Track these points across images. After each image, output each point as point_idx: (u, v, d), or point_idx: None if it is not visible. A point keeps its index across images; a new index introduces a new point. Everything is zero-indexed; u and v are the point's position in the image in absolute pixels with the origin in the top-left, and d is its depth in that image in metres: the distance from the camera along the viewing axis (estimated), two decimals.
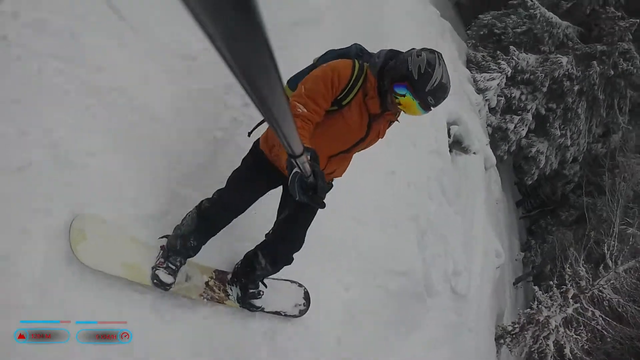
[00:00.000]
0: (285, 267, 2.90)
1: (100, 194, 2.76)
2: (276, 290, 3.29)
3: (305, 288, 3.51)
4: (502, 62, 12.53)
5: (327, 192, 1.62)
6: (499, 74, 12.24)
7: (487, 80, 12.02)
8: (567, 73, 12.92)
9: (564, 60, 12.75)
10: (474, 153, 6.72)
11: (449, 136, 6.48)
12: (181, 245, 2.70)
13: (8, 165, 2.50)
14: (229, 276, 3.16)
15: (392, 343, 4.48)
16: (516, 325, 9.44)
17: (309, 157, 1.58)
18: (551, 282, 10.50)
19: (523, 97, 13.27)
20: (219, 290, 3.06)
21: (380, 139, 2.61)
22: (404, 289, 4.64)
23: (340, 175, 2.70)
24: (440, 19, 10.27)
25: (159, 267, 2.71)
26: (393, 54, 2.30)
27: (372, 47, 2.71)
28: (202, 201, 2.68)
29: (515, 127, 13.17)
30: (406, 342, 4.69)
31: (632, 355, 12.00)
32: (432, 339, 5.15)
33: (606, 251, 10.91)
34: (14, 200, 2.45)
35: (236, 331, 3.12)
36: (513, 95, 13.15)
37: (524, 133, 13.39)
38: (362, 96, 2.27)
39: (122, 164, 2.94)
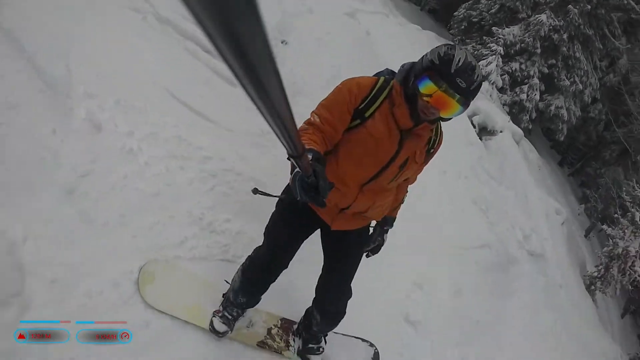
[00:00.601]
0: (343, 318, 2.71)
1: (175, 238, 3.03)
2: (343, 347, 3.17)
3: (376, 348, 3.34)
4: (492, 44, 13.42)
5: (328, 191, 1.55)
6: (493, 55, 13.08)
7: (485, 66, 12.86)
8: (551, 27, 13.76)
9: (543, 17, 13.64)
10: (501, 132, 7.52)
11: (474, 127, 7.30)
12: (234, 298, 2.71)
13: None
14: (295, 326, 3.10)
15: (498, 313, 5.15)
16: (600, 267, 9.90)
17: (310, 157, 1.57)
18: (615, 215, 10.92)
19: (523, 67, 14.18)
20: (281, 340, 3.00)
21: (423, 166, 2.41)
22: (489, 261, 5.38)
23: (379, 218, 2.49)
24: (423, 32, 11.23)
25: (217, 314, 2.76)
26: (415, 62, 2.09)
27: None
28: (250, 255, 2.65)
29: (527, 96, 13.94)
30: (509, 311, 5.31)
31: None
32: (531, 302, 5.76)
33: None
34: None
35: None
36: (513, 69, 14.06)
37: (537, 97, 14.09)
38: (389, 106, 2.07)
39: (225, 219, 3.37)
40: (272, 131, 0.81)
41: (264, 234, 2.54)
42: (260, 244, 2.61)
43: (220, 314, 2.75)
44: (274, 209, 2.53)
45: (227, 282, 2.84)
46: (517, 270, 5.90)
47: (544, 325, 5.75)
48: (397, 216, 2.74)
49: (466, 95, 1.87)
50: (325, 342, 2.99)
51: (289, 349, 2.99)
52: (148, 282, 2.67)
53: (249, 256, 2.63)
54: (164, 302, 2.69)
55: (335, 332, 3.05)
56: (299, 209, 2.35)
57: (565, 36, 13.93)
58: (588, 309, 9.60)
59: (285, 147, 1.01)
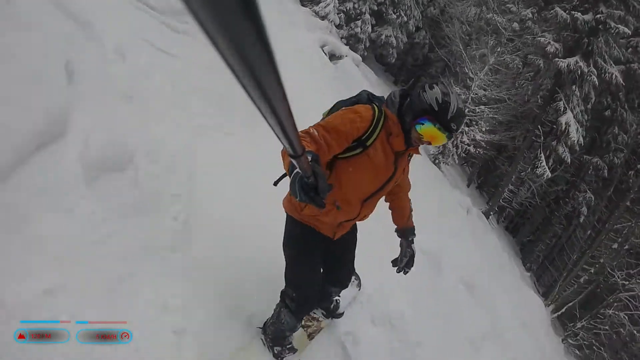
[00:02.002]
0: None
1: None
2: None
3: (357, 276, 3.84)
4: None
5: (328, 192, 1.57)
6: None
7: (324, 7, 15.42)
8: None
9: None
10: (346, 56, 10.10)
11: (325, 54, 9.76)
12: (291, 332, 2.86)
13: None
14: None
15: None
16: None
17: (309, 158, 1.56)
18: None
19: (356, 6, 17.00)
20: (311, 321, 3.34)
21: (405, 175, 2.64)
22: None
23: (367, 216, 2.64)
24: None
25: (283, 354, 2.91)
26: (405, 92, 2.34)
27: None
28: (284, 298, 2.69)
29: (361, 29, 16.89)
30: None
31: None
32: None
33: (467, 71, 15.05)
34: None
35: (340, 335, 3.48)
36: (348, 8, 16.82)
37: (369, 29, 17.14)
38: (386, 135, 2.25)
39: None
40: (273, 132, 0.81)
41: (289, 281, 2.63)
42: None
43: (287, 351, 2.94)
44: (284, 253, 2.62)
45: (259, 327, 2.99)
46: None
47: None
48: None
49: (453, 134, 2.18)
50: (339, 295, 3.34)
51: (320, 321, 3.39)
52: None
53: (287, 296, 2.65)
54: None
55: None
56: (307, 240, 2.52)
57: None
58: (438, 174, 13.11)
59: (285, 147, 1.02)
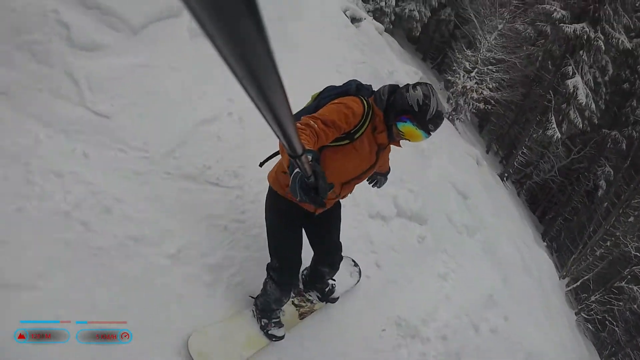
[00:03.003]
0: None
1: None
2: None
3: (349, 257, 3.94)
4: None
5: (328, 192, 1.62)
6: None
7: None
8: None
9: None
10: (365, 19, 11.18)
11: (347, 17, 10.83)
12: (278, 304, 2.90)
13: None
14: (301, 286, 3.46)
15: None
16: (452, 103, 15.13)
17: (309, 157, 1.59)
18: (453, 68, 15.80)
19: None
20: (304, 302, 3.41)
21: (385, 161, 2.88)
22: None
23: (347, 196, 2.78)
24: None
25: (269, 327, 2.97)
26: (393, 89, 2.43)
27: None
28: (269, 270, 2.80)
29: (385, 3, 17.91)
30: None
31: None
32: None
33: (478, 37, 16.10)
34: None
35: (339, 321, 3.58)
36: None
37: (393, 3, 18.15)
38: (372, 130, 2.39)
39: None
40: (273, 131, 0.82)
41: (273, 252, 2.76)
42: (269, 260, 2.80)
43: (272, 324, 2.98)
44: (267, 225, 2.74)
45: (251, 297, 3.09)
46: None
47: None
48: None
49: (431, 134, 2.36)
50: (334, 279, 3.44)
51: (313, 303, 3.45)
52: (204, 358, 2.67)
53: (271, 268, 2.77)
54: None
55: None
56: (290, 215, 2.64)
57: None
58: (450, 128, 14.06)
59: (285, 147, 1.03)
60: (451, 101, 15.78)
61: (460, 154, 11.19)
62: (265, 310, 2.95)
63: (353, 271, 3.85)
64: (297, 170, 1.64)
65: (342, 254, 3.23)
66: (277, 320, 3.01)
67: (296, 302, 3.39)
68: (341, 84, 2.58)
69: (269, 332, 2.96)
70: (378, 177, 3.05)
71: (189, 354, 2.59)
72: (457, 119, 15.55)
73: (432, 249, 5.32)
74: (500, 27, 15.33)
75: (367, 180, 3.02)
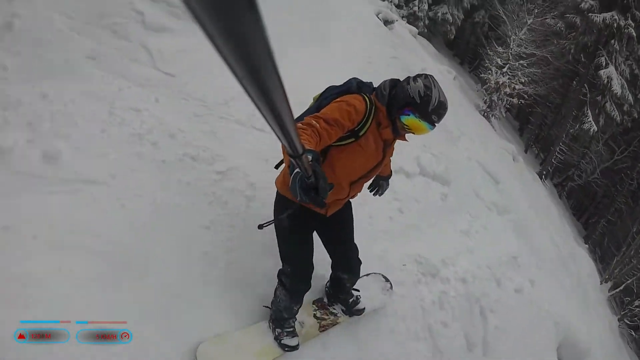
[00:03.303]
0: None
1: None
2: (365, 289, 3.46)
3: (380, 273, 3.79)
4: None
5: (328, 192, 1.61)
6: None
7: None
8: None
9: None
10: (396, 20, 11.60)
11: (380, 20, 11.28)
12: (289, 313, 2.84)
13: None
14: (325, 299, 3.39)
15: None
16: (486, 99, 15.32)
17: (310, 157, 1.58)
18: (485, 65, 16.06)
19: None
20: (327, 315, 3.29)
21: (388, 160, 2.84)
22: None
23: (356, 195, 2.76)
24: None
25: (282, 336, 2.87)
26: (394, 83, 2.43)
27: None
28: (280, 276, 2.78)
29: (419, 8, 18.42)
30: None
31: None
32: None
33: (509, 33, 16.31)
34: None
35: (364, 335, 3.45)
36: None
37: (426, 7, 18.65)
38: (376, 125, 2.39)
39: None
40: (273, 132, 0.83)
41: (284, 257, 2.72)
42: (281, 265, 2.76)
43: (285, 334, 2.88)
44: (276, 231, 2.70)
45: (266, 307, 2.98)
46: None
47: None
48: None
49: (435, 125, 2.34)
50: (359, 290, 3.35)
51: (338, 316, 3.31)
52: None
53: (283, 273, 2.75)
54: None
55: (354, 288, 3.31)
56: (300, 219, 2.56)
57: None
58: (484, 124, 14.22)
59: (285, 147, 1.04)
60: (485, 98, 15.99)
61: (494, 148, 11.23)
62: (278, 320, 2.89)
63: (385, 287, 3.71)
64: (297, 170, 1.61)
65: (374, 271, 3.39)
66: (291, 329, 2.92)
67: (318, 314, 3.29)
68: (341, 83, 2.56)
69: (282, 341, 2.87)
70: (380, 182, 3.07)
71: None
72: (492, 115, 15.71)
73: (455, 209, 5.55)
74: (529, 21, 15.66)
75: (369, 188, 3.07)
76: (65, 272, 2.48)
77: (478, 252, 5.05)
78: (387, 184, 3.11)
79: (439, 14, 19.28)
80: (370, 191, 3.08)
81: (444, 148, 6.60)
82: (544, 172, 19.04)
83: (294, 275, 2.70)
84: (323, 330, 3.20)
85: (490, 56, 16.66)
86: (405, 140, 2.59)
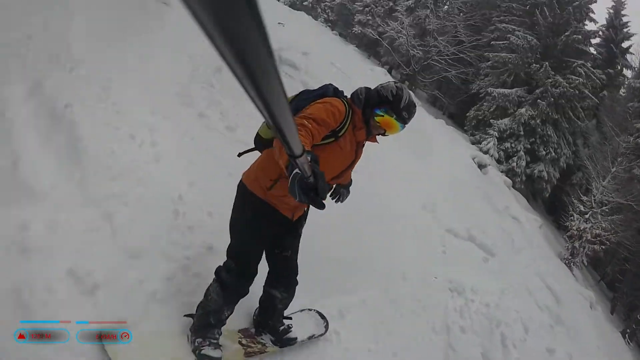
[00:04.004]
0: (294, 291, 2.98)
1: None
2: (299, 323, 3.30)
3: (314, 309, 3.62)
4: (490, 130, 20.71)
5: (327, 192, 1.63)
6: (491, 137, 20.25)
7: (486, 145, 19.90)
8: (529, 116, 20.86)
9: (523, 110, 21.07)
10: (489, 165, 13.61)
11: (475, 164, 13.33)
12: (216, 319, 2.67)
13: None
14: (253, 330, 3.17)
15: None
16: (567, 247, 16.04)
17: (309, 158, 1.57)
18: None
19: (512, 145, 20.88)
20: (254, 344, 3.03)
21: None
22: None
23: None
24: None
25: (203, 345, 2.63)
26: (368, 89, 2.61)
27: None
28: (220, 272, 2.66)
29: (517, 165, 20.40)
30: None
31: None
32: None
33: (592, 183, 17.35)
34: None
35: None
36: (506, 146, 20.79)
37: (524, 164, 20.57)
38: (352, 127, 2.52)
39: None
40: (273, 132, 0.74)
41: (233, 253, 2.65)
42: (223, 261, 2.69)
43: (207, 343, 2.65)
44: (234, 225, 2.65)
45: (188, 315, 2.80)
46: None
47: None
48: None
49: (406, 123, 2.56)
50: (291, 318, 3.23)
51: (266, 346, 3.06)
52: None
53: (223, 268, 2.66)
54: None
55: (286, 316, 3.18)
56: (265, 218, 2.55)
57: (538, 121, 20.93)
58: (569, 277, 14.46)
59: (285, 147, 1.04)
60: (567, 245, 16.30)
61: (570, 293, 10.44)
62: (202, 327, 2.70)
63: (319, 323, 3.52)
64: (296, 170, 1.59)
65: (311, 308, 3.54)
66: (215, 341, 2.70)
67: (244, 342, 3.01)
68: (317, 88, 2.66)
69: (202, 352, 2.61)
70: (341, 191, 3.07)
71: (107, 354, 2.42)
72: (573, 263, 15.72)
73: (495, 272, 6.50)
74: (613, 169, 16.32)
75: (330, 196, 3.02)
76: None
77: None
78: (348, 192, 3.12)
79: (535, 172, 20.78)
80: (332, 199, 3.06)
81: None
82: (628, 331, 18.03)
83: (238, 272, 2.63)
84: (249, 357, 2.95)
85: (574, 204, 17.28)
86: (376, 141, 2.78)
